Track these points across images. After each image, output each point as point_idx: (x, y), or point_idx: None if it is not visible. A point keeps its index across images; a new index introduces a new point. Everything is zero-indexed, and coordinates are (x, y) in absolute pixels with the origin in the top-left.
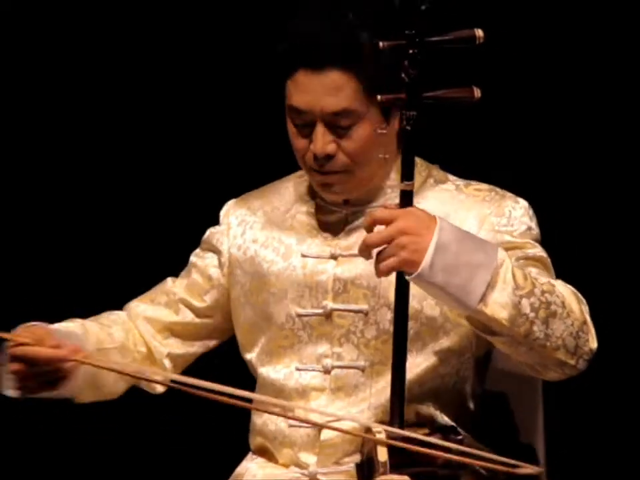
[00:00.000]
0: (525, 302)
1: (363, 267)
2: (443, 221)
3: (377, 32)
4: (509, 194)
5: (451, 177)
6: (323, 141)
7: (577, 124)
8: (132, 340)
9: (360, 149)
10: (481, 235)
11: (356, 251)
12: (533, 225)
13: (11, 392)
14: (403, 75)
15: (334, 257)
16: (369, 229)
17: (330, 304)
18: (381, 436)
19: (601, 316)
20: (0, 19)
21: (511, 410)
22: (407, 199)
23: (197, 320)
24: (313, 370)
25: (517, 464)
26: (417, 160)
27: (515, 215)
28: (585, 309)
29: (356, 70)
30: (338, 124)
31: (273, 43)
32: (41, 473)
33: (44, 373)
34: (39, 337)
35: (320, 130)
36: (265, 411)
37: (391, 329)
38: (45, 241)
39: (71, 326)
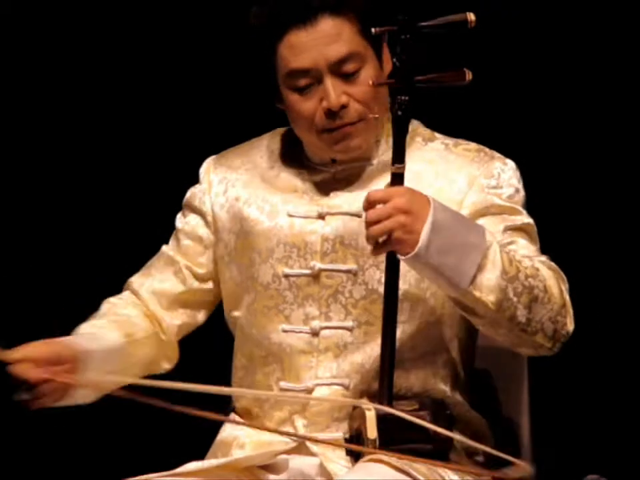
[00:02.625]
0: (509, 287)
1: (351, 226)
2: (436, 201)
3: None
4: (497, 154)
5: (438, 135)
6: (335, 92)
7: (566, 100)
8: (149, 320)
9: (370, 93)
10: (470, 196)
11: (343, 210)
12: (520, 186)
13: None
14: (395, 60)
15: (321, 216)
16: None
17: (318, 264)
18: (371, 413)
19: (586, 288)
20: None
21: (496, 386)
22: (398, 181)
23: (202, 285)
24: (300, 332)
25: (509, 460)
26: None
27: (503, 177)
28: (566, 289)
29: (348, 12)
30: (344, 71)
31: (251, 14)
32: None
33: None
34: (34, 357)
35: (329, 82)
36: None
37: (380, 288)
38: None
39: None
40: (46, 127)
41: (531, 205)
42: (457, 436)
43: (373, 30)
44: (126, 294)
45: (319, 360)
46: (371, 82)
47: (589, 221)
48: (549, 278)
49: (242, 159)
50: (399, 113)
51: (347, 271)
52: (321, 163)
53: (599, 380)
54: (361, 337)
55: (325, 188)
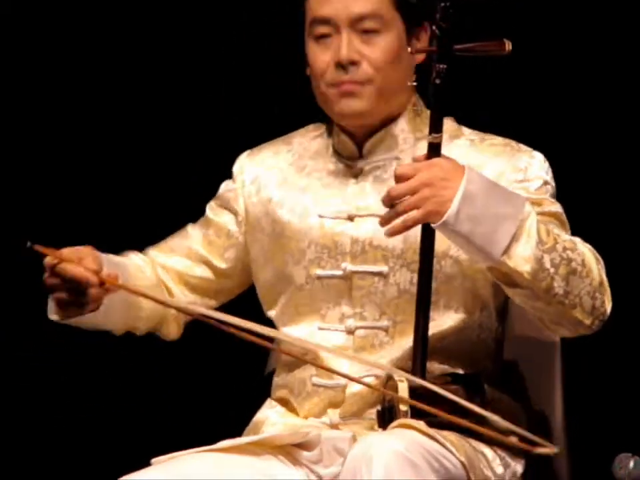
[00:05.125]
0: (546, 257)
1: (380, 228)
2: (472, 171)
3: None
4: (524, 147)
5: (465, 131)
6: (348, 46)
7: (603, 80)
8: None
9: (384, 58)
10: None
11: (372, 211)
12: (549, 178)
13: (52, 315)
14: (434, 28)
15: (350, 217)
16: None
17: (349, 266)
18: (403, 384)
19: (618, 275)
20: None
21: (529, 374)
22: (434, 151)
23: (216, 279)
24: (336, 330)
25: (535, 441)
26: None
27: (531, 170)
28: (602, 269)
29: None
30: (364, 28)
31: None
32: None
33: (74, 291)
34: (79, 257)
35: (345, 36)
36: (289, 354)
37: (412, 288)
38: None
39: (116, 257)
40: (46, 128)
41: (561, 196)
42: (486, 413)
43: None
44: (145, 257)
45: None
46: (409, 49)
47: (621, 210)
48: (587, 254)
49: (274, 157)
50: (437, 81)
51: (378, 273)
52: (349, 156)
53: (631, 360)
54: (396, 335)
55: (355, 188)
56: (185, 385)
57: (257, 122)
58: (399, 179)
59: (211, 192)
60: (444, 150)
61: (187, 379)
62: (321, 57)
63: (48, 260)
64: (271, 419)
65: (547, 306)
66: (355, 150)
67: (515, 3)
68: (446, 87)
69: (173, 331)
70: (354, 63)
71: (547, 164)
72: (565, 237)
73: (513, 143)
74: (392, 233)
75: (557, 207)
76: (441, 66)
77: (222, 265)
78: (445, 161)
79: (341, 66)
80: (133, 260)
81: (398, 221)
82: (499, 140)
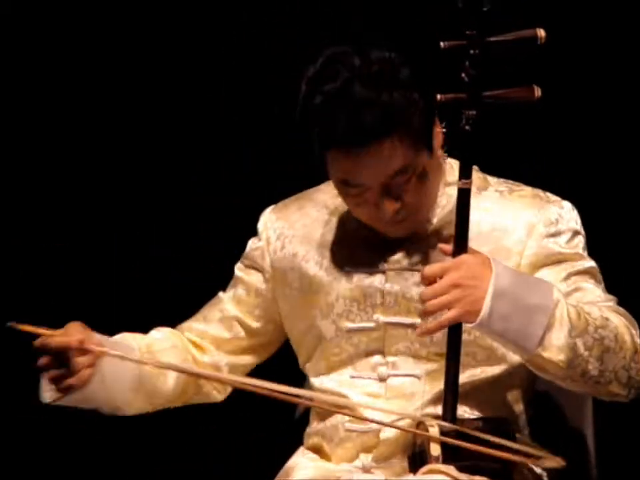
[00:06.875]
0: (579, 342)
1: (412, 280)
2: (498, 265)
3: (405, 85)
4: (553, 197)
5: (491, 180)
6: (388, 207)
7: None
8: (183, 345)
9: (422, 192)
10: (529, 246)
11: (403, 264)
12: (579, 227)
13: (46, 396)
14: (463, 75)
15: (382, 270)
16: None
17: (381, 317)
18: (434, 430)
19: None
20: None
21: (560, 408)
22: (464, 196)
23: (249, 337)
24: (369, 378)
25: (541, 455)
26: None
27: (562, 222)
28: (636, 334)
29: (399, 131)
30: (396, 182)
31: (299, 122)
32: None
33: (61, 364)
34: (68, 333)
35: (384, 201)
36: (324, 407)
37: (444, 338)
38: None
39: (117, 337)
40: (48, 130)
41: (592, 243)
42: (519, 446)
43: (441, 44)
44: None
45: (386, 406)
46: (438, 96)
47: None
48: (620, 326)
49: (298, 213)
50: (467, 127)
51: (411, 325)
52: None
53: None
54: (429, 383)
55: (383, 243)
56: (217, 432)
57: (257, 122)
58: (426, 279)
59: (201, 189)
60: (473, 202)
61: (219, 425)
62: (362, 209)
63: (37, 343)
64: (302, 464)
65: (584, 384)
66: None
67: (546, 50)
68: (476, 133)
69: (214, 393)
70: (396, 212)
71: (575, 212)
72: (596, 313)
73: (541, 192)
74: (426, 333)
75: (590, 263)
76: (471, 112)
77: (253, 323)
78: (472, 257)
79: None
80: (149, 336)
81: (432, 322)
82: (527, 191)
